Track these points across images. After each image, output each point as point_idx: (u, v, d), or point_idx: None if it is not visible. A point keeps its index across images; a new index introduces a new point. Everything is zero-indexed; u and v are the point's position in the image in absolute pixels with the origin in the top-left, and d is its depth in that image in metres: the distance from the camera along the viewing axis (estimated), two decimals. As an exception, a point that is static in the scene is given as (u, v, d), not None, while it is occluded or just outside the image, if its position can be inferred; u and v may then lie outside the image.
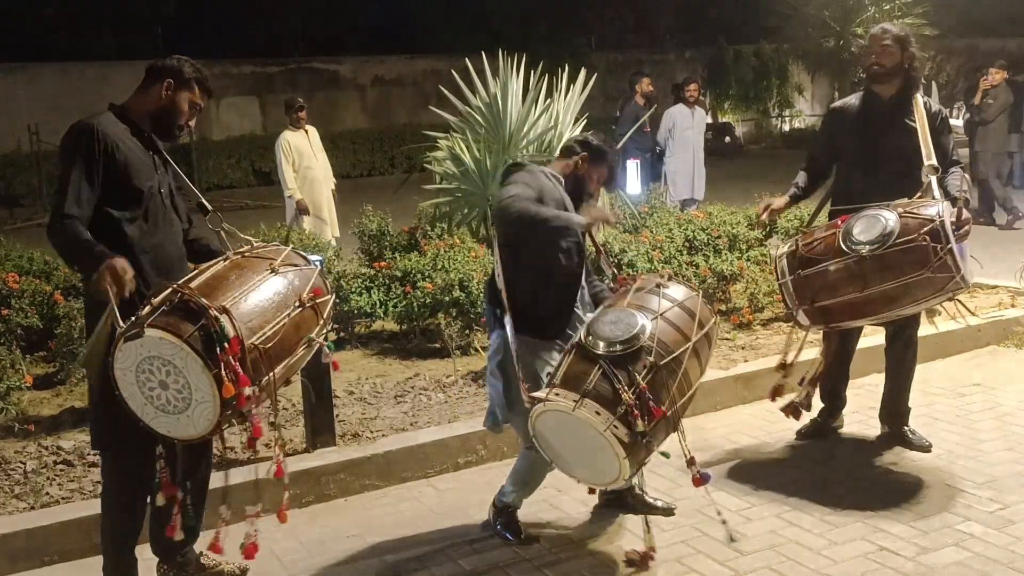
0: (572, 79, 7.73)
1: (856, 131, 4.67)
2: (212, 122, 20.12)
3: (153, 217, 3.43)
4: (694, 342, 3.58)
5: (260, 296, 3.21)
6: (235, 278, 3.22)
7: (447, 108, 8.12)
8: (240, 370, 2.98)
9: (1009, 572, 3.57)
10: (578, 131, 7.63)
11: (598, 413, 3.30)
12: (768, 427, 5.17)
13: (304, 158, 9.15)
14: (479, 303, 6.02)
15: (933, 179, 4.37)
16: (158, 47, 24.14)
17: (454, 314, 6.02)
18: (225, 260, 3.34)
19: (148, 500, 3.49)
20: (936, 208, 4.13)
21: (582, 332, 3.55)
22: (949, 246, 4.01)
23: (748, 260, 7.09)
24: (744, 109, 26.12)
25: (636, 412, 3.30)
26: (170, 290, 3.07)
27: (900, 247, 4.05)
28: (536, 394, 3.47)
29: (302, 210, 9.01)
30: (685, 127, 10.95)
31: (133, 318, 3.02)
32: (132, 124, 3.43)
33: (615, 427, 3.28)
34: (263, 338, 3.12)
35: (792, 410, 4.70)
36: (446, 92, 8.04)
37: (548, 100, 7.57)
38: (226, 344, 2.97)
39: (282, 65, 22.15)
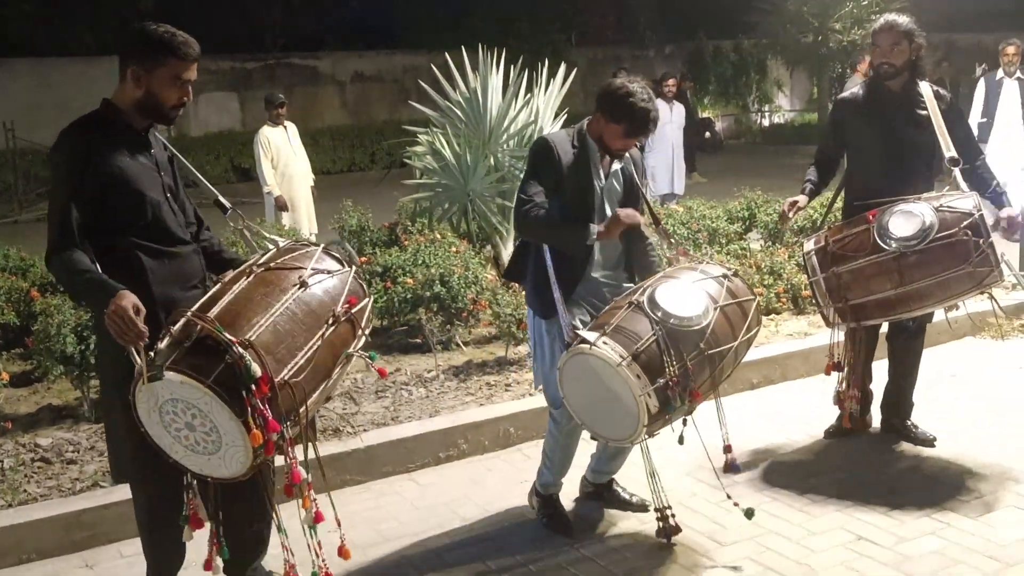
0: (552, 74, 7.74)
1: (868, 124, 4.58)
2: (190, 118, 19.95)
3: (165, 226, 3.12)
4: (739, 342, 3.63)
5: (288, 318, 2.90)
6: (260, 298, 2.92)
7: (427, 103, 8.11)
8: (269, 415, 2.73)
9: (984, 560, 3.61)
10: (558, 126, 7.64)
11: (639, 377, 3.33)
12: (746, 421, 5.20)
13: (283, 154, 9.12)
14: (460, 298, 6.02)
15: (956, 171, 4.34)
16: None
17: (435, 309, 6.02)
18: (249, 276, 3.01)
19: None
20: (972, 201, 4.12)
21: (643, 296, 3.52)
22: (990, 240, 4.01)
23: (728, 254, 7.12)
24: (724, 104, 26.20)
25: (675, 388, 3.35)
26: (187, 319, 2.79)
27: (941, 242, 4.01)
28: (584, 334, 3.46)
29: (281, 206, 8.99)
30: (664, 122, 10.97)
31: (152, 353, 2.74)
32: (121, 122, 3.08)
33: (648, 396, 3.33)
34: (295, 370, 2.85)
35: (849, 419, 4.73)
36: (426, 87, 8.03)
37: (528, 95, 7.57)
38: (253, 387, 2.70)
39: (261, 60, 22.02)
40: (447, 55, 7.86)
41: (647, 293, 3.53)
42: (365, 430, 4.78)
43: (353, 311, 3.09)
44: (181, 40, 3.04)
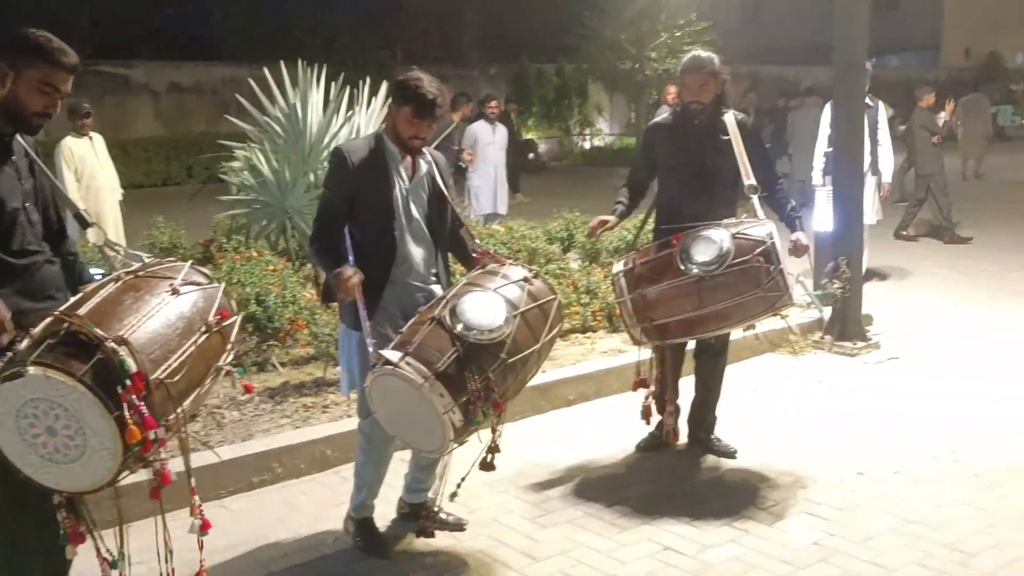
0: (374, 92, 7.71)
1: (675, 150, 4.80)
2: (-13, 126, 18.77)
3: (20, 237, 2.97)
4: (541, 344, 3.68)
5: (162, 322, 2.82)
6: (131, 302, 2.83)
7: (246, 118, 7.91)
8: (145, 411, 2.61)
9: (778, 564, 3.82)
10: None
11: (442, 396, 3.34)
12: (562, 437, 5.32)
13: (88, 167, 8.68)
14: (276, 318, 5.89)
15: (755, 198, 4.61)
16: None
17: (250, 329, 5.86)
18: (117, 281, 2.92)
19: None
20: (766, 229, 4.37)
21: (445, 309, 3.52)
22: (780, 266, 4.26)
23: (547, 274, 7.27)
24: (547, 127, 26.84)
25: (478, 403, 3.39)
26: (53, 319, 2.65)
27: (736, 268, 4.24)
28: (387, 355, 3.43)
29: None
30: (487, 143, 11.15)
31: (9, 354, 2.60)
32: None
33: (452, 412, 3.35)
34: (168, 371, 2.75)
35: (673, 433, 4.92)
36: (243, 101, 7.83)
37: (350, 112, 7.51)
38: (127, 382, 2.59)
39: (67, 67, 20.89)
40: (266, 69, 7.70)
41: (449, 306, 3.55)
42: (173, 456, 4.57)
43: (224, 324, 3.04)
44: (56, 47, 2.95)
